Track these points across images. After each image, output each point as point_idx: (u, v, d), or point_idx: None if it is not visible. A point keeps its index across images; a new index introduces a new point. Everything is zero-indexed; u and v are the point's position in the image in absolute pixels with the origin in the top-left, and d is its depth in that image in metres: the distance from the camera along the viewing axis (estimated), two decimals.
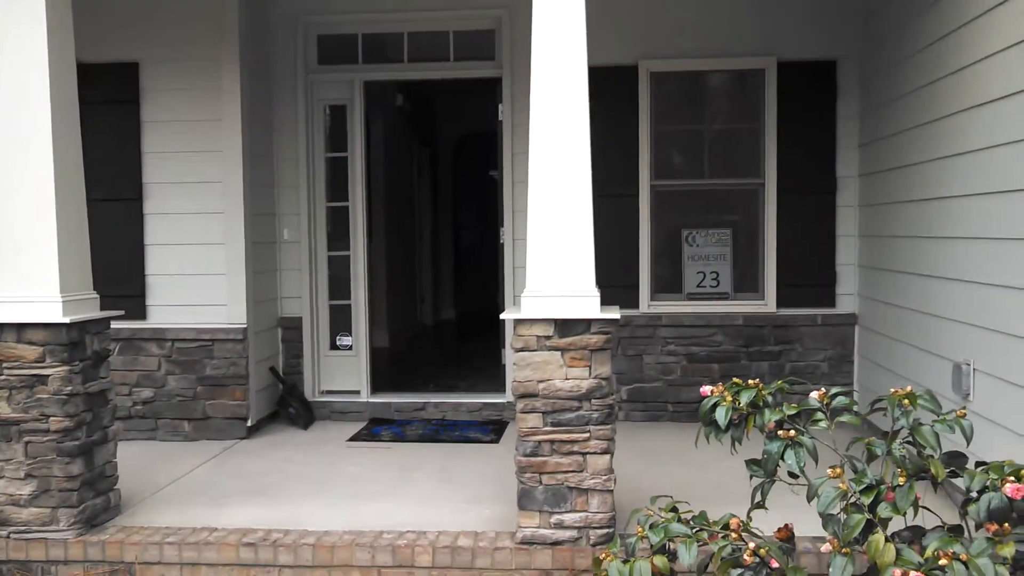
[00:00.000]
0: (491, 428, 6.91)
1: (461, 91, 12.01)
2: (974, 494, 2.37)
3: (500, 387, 7.33)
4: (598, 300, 4.50)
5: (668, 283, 7.14)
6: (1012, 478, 2.29)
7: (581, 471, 4.49)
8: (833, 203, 6.90)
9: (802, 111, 6.86)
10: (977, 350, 4.63)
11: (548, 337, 4.49)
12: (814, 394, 2.70)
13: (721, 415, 2.68)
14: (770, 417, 2.63)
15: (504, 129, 7.20)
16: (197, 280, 6.65)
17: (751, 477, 2.81)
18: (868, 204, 6.64)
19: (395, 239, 10.61)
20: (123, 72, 6.68)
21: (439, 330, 12.61)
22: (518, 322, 4.52)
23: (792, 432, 2.58)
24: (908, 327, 5.66)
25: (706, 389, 2.85)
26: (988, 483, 2.33)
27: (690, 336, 7.01)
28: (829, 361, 6.93)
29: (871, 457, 2.63)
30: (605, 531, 4.45)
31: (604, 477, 4.49)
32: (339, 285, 7.45)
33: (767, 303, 6.96)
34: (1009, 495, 2.27)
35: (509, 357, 7.18)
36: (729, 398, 2.71)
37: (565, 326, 4.47)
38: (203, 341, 6.61)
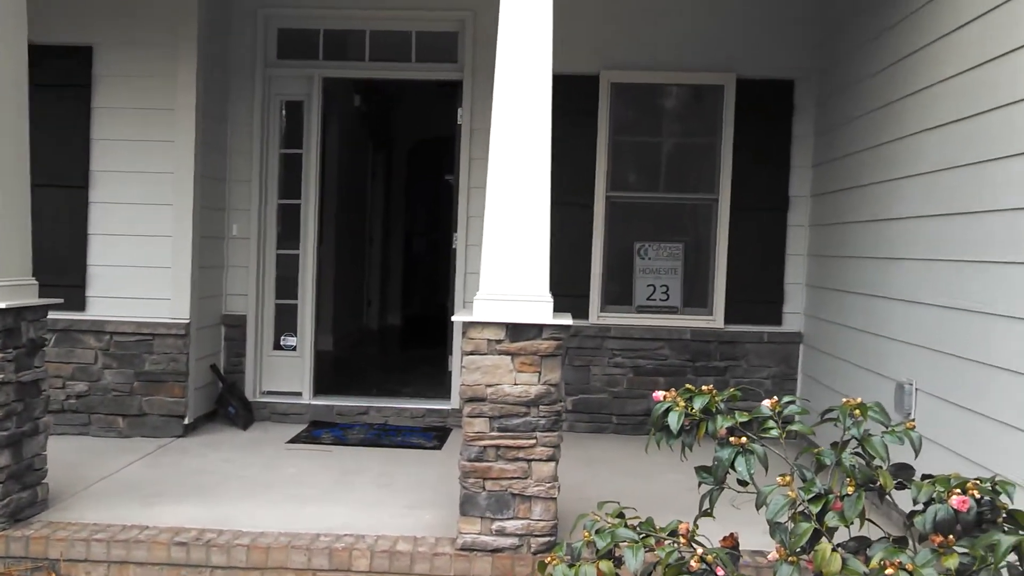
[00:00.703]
0: (434, 434, 6.83)
1: (418, 94, 12.03)
2: (920, 506, 2.37)
3: (445, 394, 7.26)
4: (551, 306, 4.47)
5: (618, 295, 7.14)
6: (958, 490, 2.30)
7: (525, 478, 4.44)
8: (784, 221, 6.97)
9: (758, 129, 6.93)
10: (919, 370, 4.68)
11: (499, 341, 4.44)
12: (766, 402, 2.69)
13: (673, 420, 2.65)
14: (722, 424, 2.61)
15: (463, 133, 7.16)
16: (141, 272, 6.47)
17: (700, 484, 2.78)
18: (818, 224, 6.73)
19: (345, 241, 10.48)
20: (76, 56, 6.49)
21: (385, 335, 12.48)
22: (469, 325, 4.47)
23: (743, 439, 2.57)
24: (852, 346, 5.72)
25: (659, 394, 2.82)
26: (935, 495, 2.33)
27: (638, 349, 7.01)
28: (773, 379, 6.98)
29: (820, 467, 2.62)
30: (547, 539, 4.41)
31: (548, 484, 4.45)
32: (286, 284, 7.32)
33: (715, 319, 7.00)
34: (955, 507, 2.27)
35: (456, 364, 7.13)
36: (682, 403, 2.69)
37: (517, 330, 4.43)
38: (143, 335, 6.43)
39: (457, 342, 7.10)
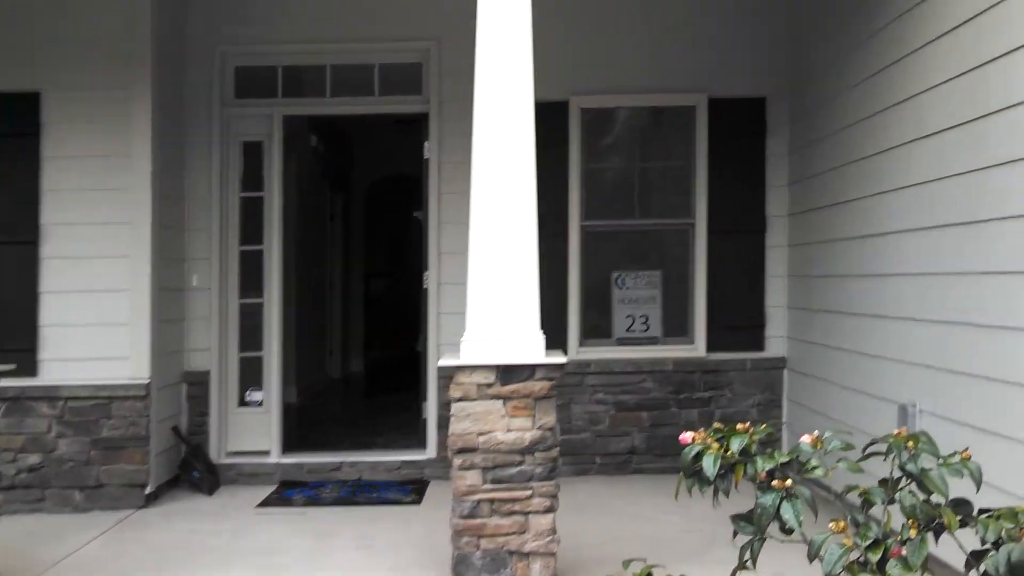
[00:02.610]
0: (411, 488, 6.51)
1: (374, 130, 11.81)
2: (988, 545, 2.15)
3: (420, 443, 6.93)
4: (543, 343, 4.25)
5: (597, 328, 6.92)
6: None
7: (523, 532, 4.17)
8: (763, 243, 6.82)
9: (732, 148, 6.80)
10: (922, 390, 4.51)
11: (489, 385, 4.20)
12: (806, 438, 2.45)
13: (709, 464, 2.40)
14: (763, 466, 2.36)
15: (430, 167, 6.92)
16: (96, 331, 6.08)
17: (735, 534, 2.54)
18: (798, 243, 6.58)
19: (306, 286, 10.14)
20: (22, 102, 6.15)
21: (348, 383, 12.11)
22: (457, 369, 4.22)
23: (788, 482, 2.33)
24: (844, 368, 5.54)
25: (687, 436, 2.56)
26: (1003, 532, 2.12)
27: (619, 383, 6.77)
28: (759, 407, 6.79)
29: (866, 506, 2.40)
30: None
31: (547, 539, 4.18)
32: (250, 336, 6.97)
33: (697, 348, 6.80)
34: None
35: (432, 410, 6.83)
36: (716, 446, 2.44)
37: (508, 373, 4.19)
38: (100, 399, 6.03)
39: (432, 387, 6.83)
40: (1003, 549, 2.11)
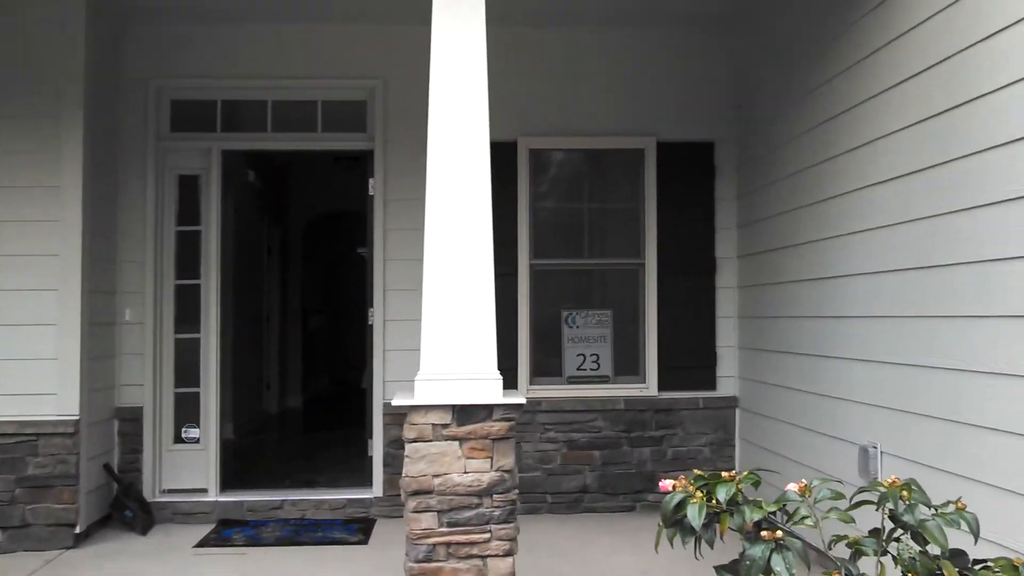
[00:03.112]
0: (358, 527, 6.29)
1: (313, 166, 11.64)
2: None
3: (366, 481, 6.72)
4: (500, 383, 4.13)
5: (548, 366, 6.83)
6: None
7: None
8: (713, 284, 6.83)
9: (681, 191, 6.81)
10: (883, 431, 4.50)
11: (445, 425, 4.05)
12: (793, 486, 2.37)
13: (694, 514, 2.30)
14: (751, 516, 2.27)
15: (375, 204, 6.78)
16: (22, 366, 5.77)
17: None
18: (748, 285, 6.60)
19: (243, 321, 9.85)
20: None
21: (286, 419, 11.79)
22: (412, 409, 4.06)
23: (778, 533, 2.24)
24: (800, 409, 5.53)
25: (667, 484, 2.47)
26: None
27: (571, 422, 6.68)
28: (711, 446, 6.75)
29: (856, 556, 2.33)
30: None
31: None
32: (187, 371, 6.72)
33: (648, 386, 6.75)
34: None
35: (377, 448, 6.65)
36: (700, 495, 2.35)
37: (464, 413, 4.05)
38: (26, 436, 5.71)
39: (378, 425, 6.65)
40: None
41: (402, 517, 6.37)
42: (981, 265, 3.71)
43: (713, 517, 2.37)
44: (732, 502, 2.32)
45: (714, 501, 2.36)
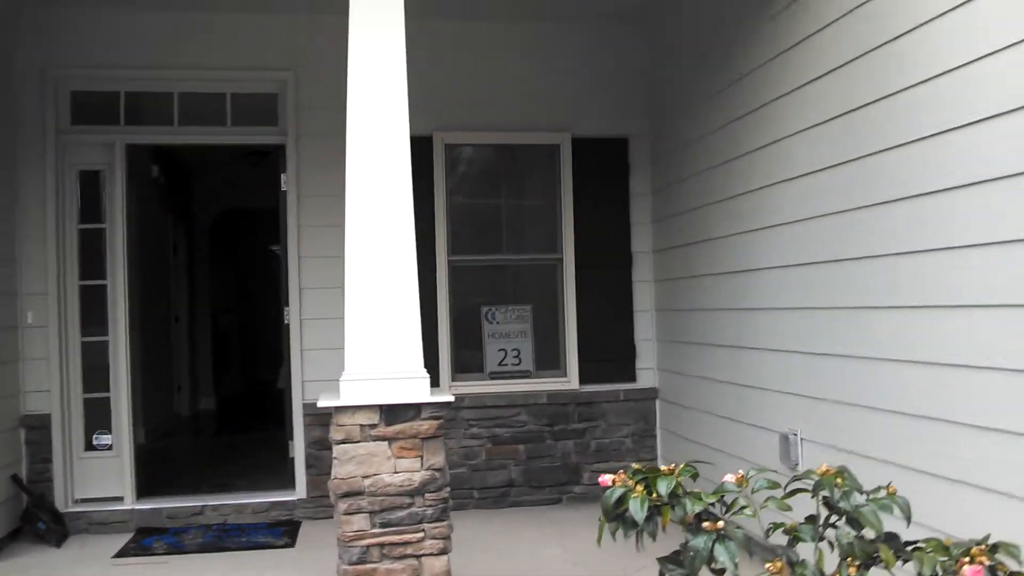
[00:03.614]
0: (283, 530, 6.17)
1: (220, 162, 11.35)
2: None
3: (289, 483, 6.59)
4: (428, 382, 4.11)
5: (469, 362, 6.82)
6: (967, 559, 2.11)
7: None
8: (629, 278, 6.92)
9: (597, 187, 6.88)
10: (801, 418, 4.63)
11: (374, 426, 4.00)
12: (730, 477, 2.41)
13: (636, 508, 2.32)
14: (692, 508, 2.30)
15: (288, 200, 6.64)
16: None
17: (661, 575, 2.46)
18: (664, 279, 6.70)
19: (151, 322, 9.54)
20: None
21: (199, 421, 11.50)
22: (338, 410, 4.00)
23: (720, 524, 2.27)
24: (720, 399, 5.65)
25: (606, 478, 2.47)
26: (938, 567, 2.13)
27: (494, 417, 6.68)
28: (633, 436, 6.85)
29: (792, 543, 2.38)
30: None
31: None
32: (96, 375, 6.47)
33: (570, 380, 6.81)
34: None
35: (299, 449, 6.53)
36: (640, 489, 2.37)
37: (392, 412, 4.02)
38: None
39: (299, 425, 6.54)
40: None
41: (328, 519, 6.31)
42: (886, 259, 3.85)
43: (654, 510, 2.38)
44: (672, 495, 2.35)
45: (654, 495, 2.38)
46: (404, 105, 4.22)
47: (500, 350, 6.82)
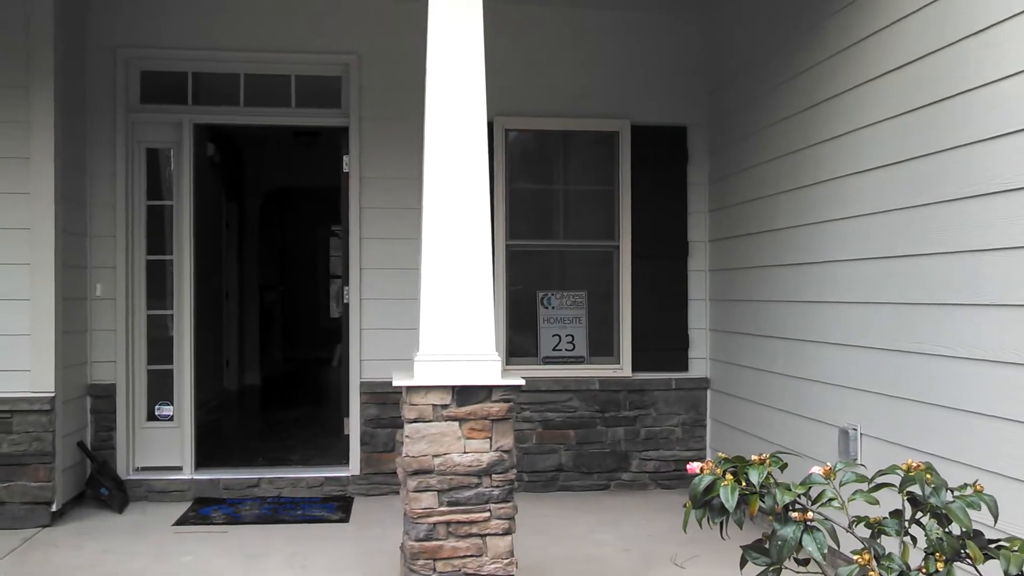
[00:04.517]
0: (337, 505, 6.31)
1: (274, 142, 11.50)
2: None
3: (343, 459, 6.73)
4: (500, 364, 4.18)
5: (523, 346, 6.91)
6: None
7: (480, 555, 4.09)
8: (685, 267, 6.95)
9: (654, 175, 6.91)
10: (862, 414, 4.66)
11: (446, 406, 4.09)
12: (817, 469, 2.47)
13: (727, 496, 2.38)
14: (782, 498, 2.37)
15: (351, 181, 6.74)
16: None
17: (744, 563, 2.53)
18: (720, 268, 6.73)
19: (206, 298, 9.73)
20: None
21: (245, 396, 11.71)
22: (411, 390, 4.10)
23: (809, 514, 2.34)
24: (776, 391, 5.68)
25: (694, 466, 2.54)
26: None
27: (546, 402, 6.77)
28: (683, 426, 6.90)
29: (876, 537, 2.43)
30: None
31: (505, 561, 4.11)
32: (160, 348, 6.64)
33: (623, 367, 6.87)
34: None
35: (354, 427, 6.65)
36: (730, 477, 2.43)
37: (464, 393, 4.10)
38: (1, 413, 5.62)
39: (355, 403, 6.65)
40: None
41: (381, 495, 6.48)
42: (962, 255, 3.86)
43: (743, 499, 2.45)
44: (761, 484, 2.41)
45: (743, 483, 2.44)
46: (482, 88, 4.31)
47: (554, 335, 6.89)
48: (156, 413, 6.58)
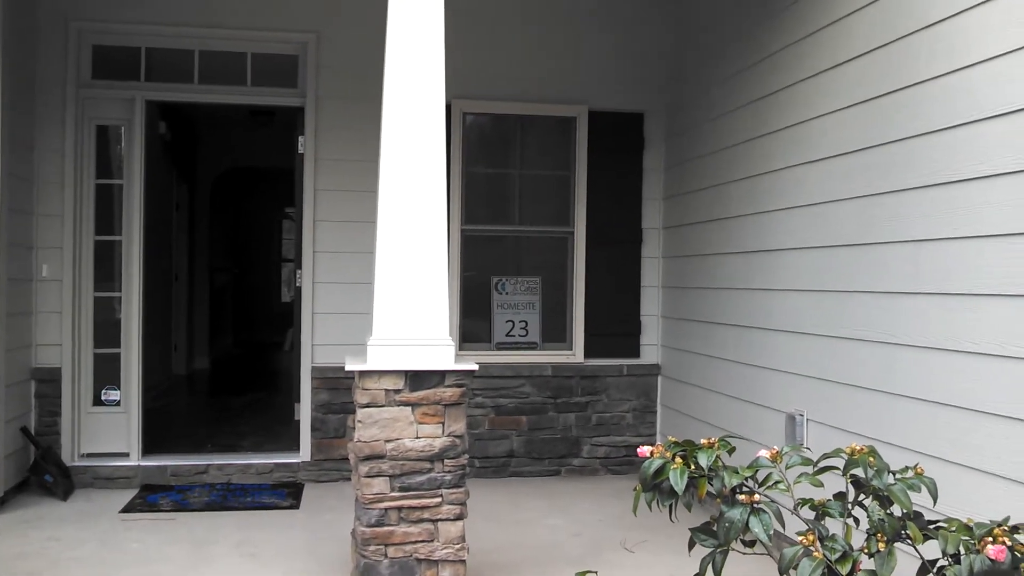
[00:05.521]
0: (287, 492, 6.26)
1: (226, 122, 11.33)
2: (947, 559, 2.27)
3: (293, 445, 6.67)
4: (453, 349, 4.18)
5: (477, 332, 6.90)
6: (989, 538, 2.21)
7: (432, 541, 4.10)
8: (639, 254, 7.00)
9: (611, 161, 6.94)
10: (808, 400, 4.74)
11: (398, 391, 4.10)
12: (764, 452, 2.51)
13: (676, 479, 2.41)
14: (730, 480, 2.40)
15: (305, 163, 6.67)
16: None
17: (693, 545, 2.56)
18: (672, 256, 6.79)
19: (154, 280, 9.57)
20: None
21: (194, 381, 11.56)
22: (364, 374, 4.08)
23: (756, 497, 2.38)
24: (725, 377, 5.75)
25: (644, 450, 2.57)
26: (961, 546, 2.24)
27: (499, 388, 6.78)
28: (634, 412, 6.96)
29: (820, 519, 2.48)
30: None
31: (457, 546, 4.13)
32: (107, 331, 6.52)
33: (575, 353, 6.90)
34: (992, 557, 2.18)
35: (305, 412, 6.60)
36: (680, 460, 2.46)
37: (417, 378, 4.10)
38: None
39: (306, 389, 6.60)
40: (964, 560, 2.23)
41: (332, 482, 6.45)
42: (905, 245, 3.94)
43: (691, 482, 2.48)
44: (710, 468, 2.44)
45: (692, 467, 2.47)
46: (441, 73, 4.31)
47: (508, 321, 6.90)
48: (103, 398, 6.45)
